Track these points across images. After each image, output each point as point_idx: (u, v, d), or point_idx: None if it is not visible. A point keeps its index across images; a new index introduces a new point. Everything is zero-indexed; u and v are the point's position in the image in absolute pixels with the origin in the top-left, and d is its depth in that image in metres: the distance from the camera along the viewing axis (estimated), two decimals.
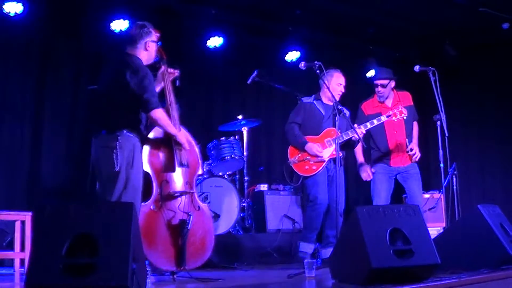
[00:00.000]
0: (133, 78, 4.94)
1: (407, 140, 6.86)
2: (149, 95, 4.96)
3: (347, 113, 6.54)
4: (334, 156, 6.30)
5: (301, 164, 6.55)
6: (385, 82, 6.90)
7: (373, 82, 7.02)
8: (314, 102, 6.74)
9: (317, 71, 6.17)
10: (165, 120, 5.17)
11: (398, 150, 6.84)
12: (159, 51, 5.45)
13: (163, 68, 5.53)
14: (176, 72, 5.64)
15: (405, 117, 6.58)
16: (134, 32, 5.27)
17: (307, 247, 6.54)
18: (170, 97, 5.52)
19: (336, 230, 6.23)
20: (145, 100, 4.95)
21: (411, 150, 6.78)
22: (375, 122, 6.49)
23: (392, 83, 6.95)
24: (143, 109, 5.02)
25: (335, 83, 6.64)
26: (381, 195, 6.81)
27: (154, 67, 5.42)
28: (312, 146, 6.51)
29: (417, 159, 6.83)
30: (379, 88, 6.91)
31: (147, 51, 5.24)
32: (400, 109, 6.56)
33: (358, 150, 6.98)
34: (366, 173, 6.93)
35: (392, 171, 6.87)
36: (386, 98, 6.94)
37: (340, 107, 6.30)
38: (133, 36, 5.24)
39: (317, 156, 6.49)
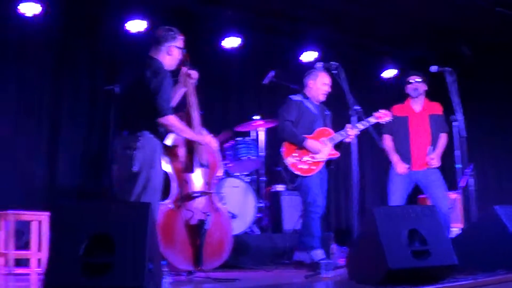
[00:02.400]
0: (152, 80, 4.91)
1: (430, 148, 6.80)
2: (161, 100, 4.89)
3: (329, 113, 6.67)
4: (332, 156, 6.37)
5: (299, 163, 6.29)
6: (419, 78, 6.91)
7: (408, 81, 6.97)
8: (304, 100, 6.54)
9: (334, 71, 6.11)
10: (177, 126, 5.06)
11: (418, 156, 6.77)
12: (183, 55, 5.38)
13: (185, 70, 5.46)
14: (196, 74, 5.62)
15: (387, 120, 6.55)
16: (159, 34, 5.21)
17: (319, 254, 6.22)
18: (191, 99, 5.52)
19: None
20: (157, 104, 4.89)
21: (431, 158, 6.74)
22: (366, 124, 6.35)
23: (424, 86, 6.94)
24: (156, 113, 4.94)
25: (320, 83, 6.53)
26: (395, 196, 6.75)
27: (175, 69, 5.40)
28: (314, 142, 6.29)
29: (431, 166, 6.75)
30: (415, 84, 6.90)
31: (170, 55, 5.18)
32: (384, 112, 6.54)
33: (390, 148, 6.90)
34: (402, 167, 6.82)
35: (411, 176, 6.78)
36: (420, 94, 6.92)
37: (326, 109, 6.57)
38: (158, 39, 5.19)
39: (316, 154, 6.29)
